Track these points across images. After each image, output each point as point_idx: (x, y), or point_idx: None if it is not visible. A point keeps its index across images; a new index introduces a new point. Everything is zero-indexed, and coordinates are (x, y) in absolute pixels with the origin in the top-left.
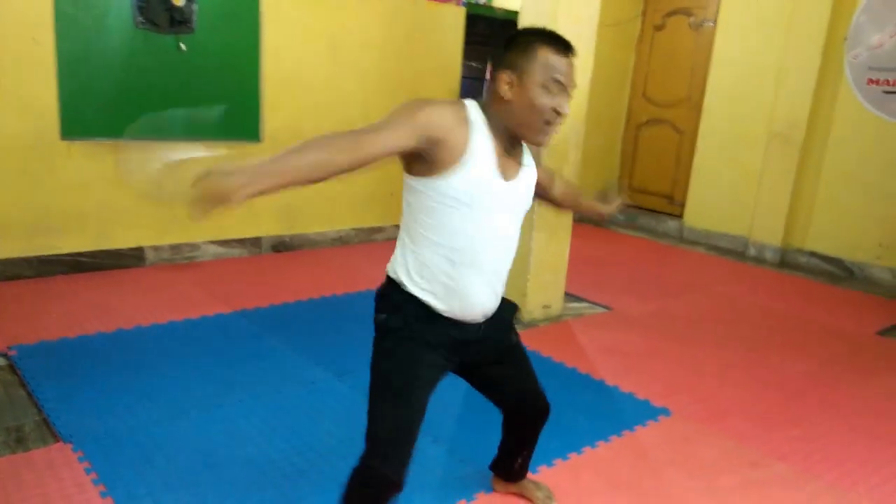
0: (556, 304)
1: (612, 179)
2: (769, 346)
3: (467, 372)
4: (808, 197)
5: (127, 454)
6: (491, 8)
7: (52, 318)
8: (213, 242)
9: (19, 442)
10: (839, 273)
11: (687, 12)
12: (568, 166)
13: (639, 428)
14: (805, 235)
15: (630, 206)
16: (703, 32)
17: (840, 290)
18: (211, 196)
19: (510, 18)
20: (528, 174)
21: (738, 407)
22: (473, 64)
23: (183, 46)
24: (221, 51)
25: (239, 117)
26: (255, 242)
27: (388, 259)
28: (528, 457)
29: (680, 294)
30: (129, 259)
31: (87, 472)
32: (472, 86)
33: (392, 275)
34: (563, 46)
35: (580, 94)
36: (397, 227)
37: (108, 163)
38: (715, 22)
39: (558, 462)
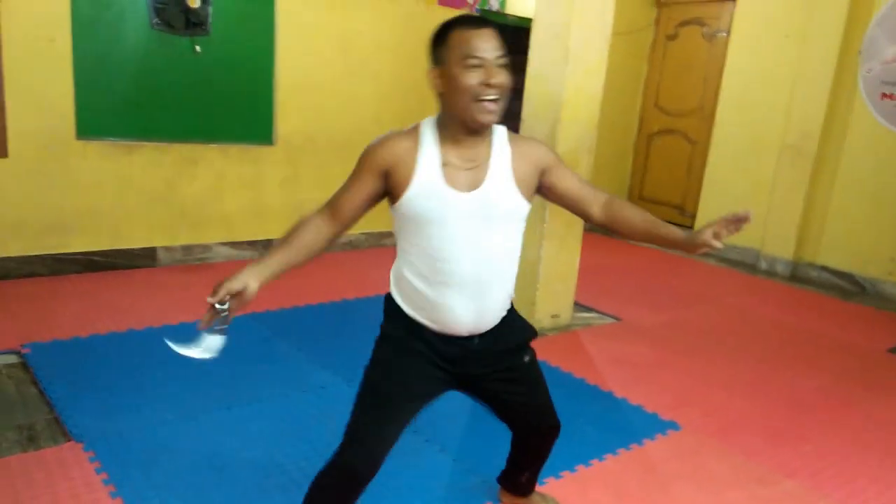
0: (565, 313)
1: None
2: (779, 361)
3: (472, 386)
4: (820, 210)
5: (136, 454)
6: (504, 15)
7: (64, 316)
8: (224, 244)
9: (31, 440)
10: (850, 288)
11: (700, 22)
12: (581, 172)
13: (647, 441)
14: (817, 249)
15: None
16: (716, 43)
17: (851, 305)
18: (227, 292)
19: (523, 25)
20: (501, 179)
21: (747, 421)
22: None
23: (198, 48)
24: (236, 53)
25: (252, 121)
26: (265, 245)
27: None
28: (537, 472)
29: (690, 306)
30: (141, 259)
31: (98, 471)
32: None
33: (390, 285)
34: (472, 22)
35: (593, 100)
36: None
37: (122, 163)
38: (728, 32)
39: (566, 474)
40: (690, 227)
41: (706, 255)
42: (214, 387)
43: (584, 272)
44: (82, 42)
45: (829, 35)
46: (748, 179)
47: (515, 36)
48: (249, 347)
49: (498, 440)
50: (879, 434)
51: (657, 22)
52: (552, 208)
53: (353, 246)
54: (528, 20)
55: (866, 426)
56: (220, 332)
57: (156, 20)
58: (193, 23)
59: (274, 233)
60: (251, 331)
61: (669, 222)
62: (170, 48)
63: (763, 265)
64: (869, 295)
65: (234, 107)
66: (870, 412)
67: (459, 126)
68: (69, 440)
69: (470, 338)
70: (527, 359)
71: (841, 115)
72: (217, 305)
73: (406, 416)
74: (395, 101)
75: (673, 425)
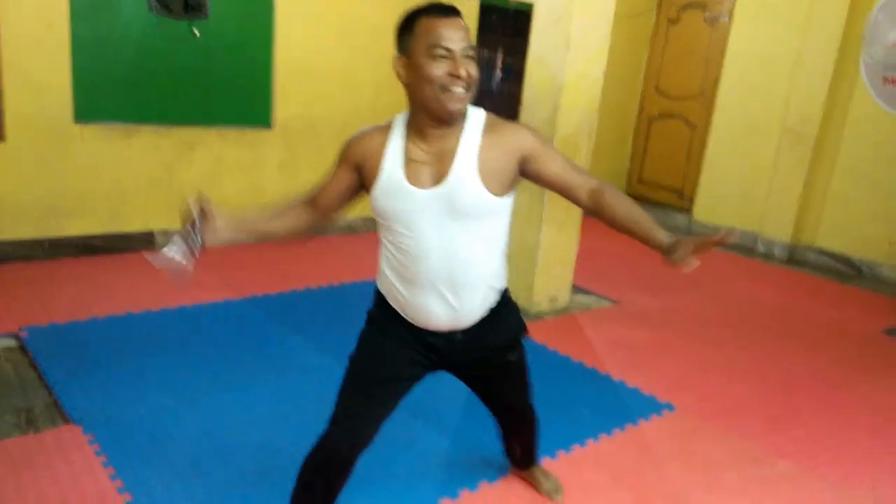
0: (564, 296)
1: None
2: (775, 344)
3: (455, 370)
4: (819, 194)
5: (135, 437)
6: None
7: (62, 300)
8: None
9: (30, 423)
10: (848, 271)
11: (702, 6)
12: (580, 156)
13: (643, 422)
14: (815, 232)
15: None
16: (717, 27)
17: (848, 288)
18: (189, 215)
19: (523, 10)
20: (466, 172)
21: (742, 404)
22: (486, 52)
23: (196, 32)
24: (234, 37)
25: (251, 105)
26: None
27: None
28: (527, 451)
29: (687, 289)
30: (139, 243)
31: (97, 454)
32: (484, 74)
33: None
34: (439, 11)
35: (594, 84)
36: None
37: (120, 146)
38: (730, 17)
39: (562, 454)
40: (689, 211)
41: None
42: (213, 370)
43: (583, 256)
44: (81, 26)
45: (831, 19)
46: (747, 163)
47: (516, 19)
48: (248, 331)
49: (494, 421)
50: (873, 416)
51: (659, 6)
52: (551, 192)
53: (351, 230)
54: (529, 5)
55: (861, 408)
56: (187, 250)
57: (154, 3)
58: (192, 6)
59: None
60: (249, 314)
61: (669, 207)
62: (168, 32)
63: (761, 248)
64: (866, 278)
65: (233, 91)
66: (864, 395)
67: (427, 117)
68: (68, 423)
69: (452, 332)
70: (512, 358)
71: (841, 99)
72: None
73: (389, 397)
74: (394, 86)
75: (669, 407)
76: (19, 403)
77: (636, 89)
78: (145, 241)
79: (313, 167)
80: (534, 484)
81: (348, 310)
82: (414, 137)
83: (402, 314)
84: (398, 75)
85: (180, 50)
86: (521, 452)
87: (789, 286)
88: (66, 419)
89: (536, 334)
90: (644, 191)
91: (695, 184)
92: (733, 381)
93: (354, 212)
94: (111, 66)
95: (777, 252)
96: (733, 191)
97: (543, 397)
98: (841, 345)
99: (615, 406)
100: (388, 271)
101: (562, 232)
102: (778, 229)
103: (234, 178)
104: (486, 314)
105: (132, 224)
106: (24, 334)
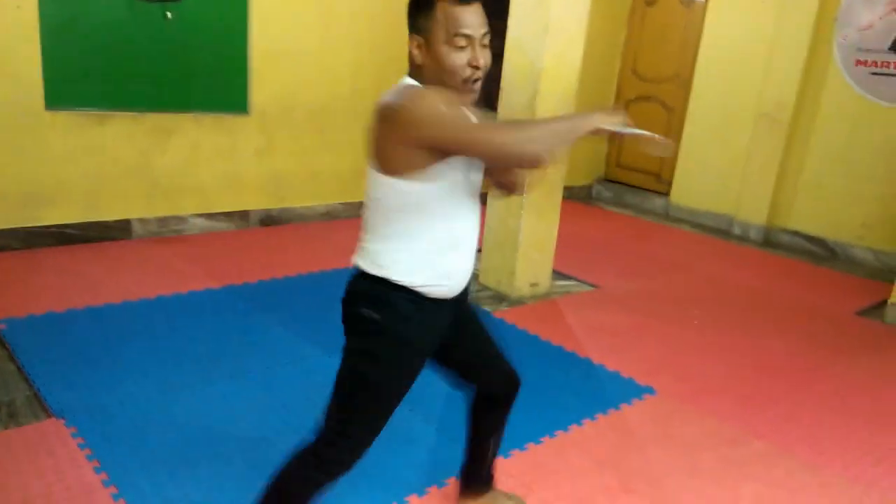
0: (544, 282)
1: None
2: (751, 325)
3: (443, 351)
4: (794, 177)
5: (119, 430)
6: None
7: (40, 291)
8: (200, 216)
9: (11, 417)
10: (821, 253)
11: None
12: None
13: (624, 406)
14: (789, 215)
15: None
16: (694, 8)
17: (822, 269)
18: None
19: None
20: None
21: (719, 385)
22: None
23: (169, 14)
24: (209, 20)
25: (227, 89)
26: (242, 216)
27: None
28: (496, 449)
29: (666, 272)
30: (116, 231)
31: (81, 447)
32: None
33: (380, 269)
34: None
35: (571, 69)
36: None
37: (94, 133)
38: None
39: (546, 439)
40: (666, 195)
41: (678, 220)
42: (195, 360)
43: (563, 241)
44: (49, 8)
45: (805, 3)
46: (724, 147)
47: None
48: (229, 320)
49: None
50: (845, 395)
51: None
52: (531, 178)
53: (330, 216)
54: None
55: (834, 388)
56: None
57: None
58: None
59: (249, 204)
60: (231, 304)
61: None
62: (140, 14)
63: (737, 231)
64: (839, 259)
65: (208, 76)
66: (838, 375)
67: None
68: (50, 416)
69: (463, 292)
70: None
71: (815, 82)
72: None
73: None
74: (375, 69)
75: (649, 390)
76: (0, 397)
77: (613, 72)
78: (122, 230)
79: (291, 152)
80: None
81: (330, 297)
82: None
83: (444, 288)
84: (412, 54)
85: (153, 34)
86: (491, 455)
87: (764, 268)
88: (48, 412)
89: (517, 320)
90: (622, 175)
91: (672, 167)
92: (710, 363)
93: (334, 197)
94: (82, 50)
95: (752, 234)
96: (710, 174)
97: (525, 383)
98: (815, 326)
99: (596, 390)
100: (425, 250)
101: (541, 218)
102: (753, 212)
103: (210, 164)
104: None
105: (109, 212)
106: (2, 326)
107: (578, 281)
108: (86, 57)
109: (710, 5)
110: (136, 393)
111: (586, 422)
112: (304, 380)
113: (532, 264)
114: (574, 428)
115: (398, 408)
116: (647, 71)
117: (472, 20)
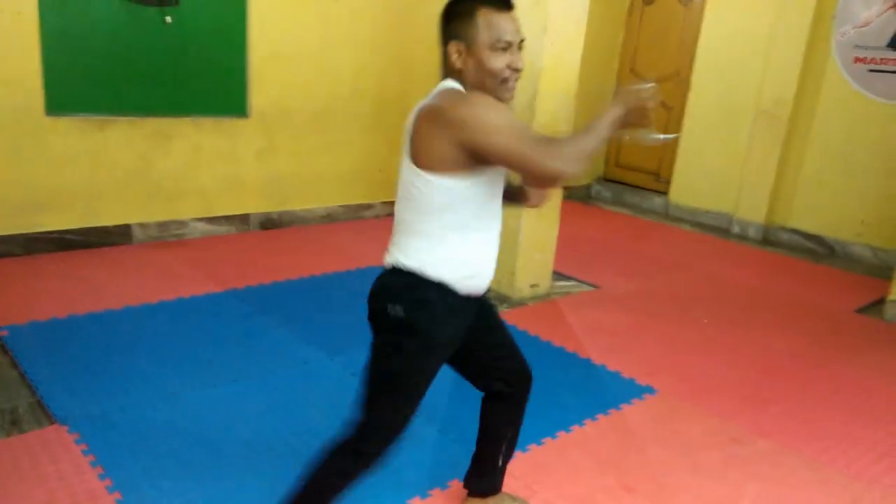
0: (545, 282)
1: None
2: (752, 324)
3: (463, 347)
4: (793, 174)
5: (122, 436)
6: None
7: (41, 297)
8: (200, 220)
9: (14, 424)
10: (820, 250)
11: None
12: None
13: (625, 406)
14: (788, 213)
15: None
16: (692, 7)
17: (821, 267)
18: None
19: None
20: None
21: (720, 384)
22: None
23: (168, 18)
24: (207, 24)
25: (226, 93)
26: (243, 219)
27: (377, 236)
28: (510, 453)
29: (666, 271)
30: (116, 236)
31: (85, 453)
32: None
33: (419, 267)
34: (502, 4)
35: (570, 69)
36: (385, 203)
37: (94, 138)
38: None
39: (547, 440)
40: (665, 194)
41: (678, 219)
42: (198, 364)
43: (563, 241)
44: (49, 15)
45: (803, 0)
46: (723, 145)
47: None
48: (231, 324)
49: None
50: (846, 393)
51: None
52: None
53: (331, 218)
54: None
55: (835, 385)
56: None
57: None
58: None
59: (250, 207)
60: (232, 308)
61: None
62: (139, 19)
63: (736, 229)
64: (838, 257)
65: (208, 79)
66: (838, 372)
67: None
68: (53, 423)
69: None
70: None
71: (814, 80)
72: None
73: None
74: (376, 71)
75: (649, 390)
76: (2, 404)
77: (612, 71)
78: (123, 235)
79: (292, 154)
80: None
81: (332, 300)
82: None
83: (474, 282)
84: (450, 60)
85: (153, 39)
86: (504, 458)
87: (764, 266)
88: (51, 419)
89: (518, 321)
90: (621, 174)
91: (671, 166)
92: (711, 362)
93: (333, 200)
94: (82, 56)
95: (751, 233)
96: (709, 173)
97: None
98: (815, 323)
99: (597, 390)
100: (469, 241)
101: (542, 218)
102: (752, 210)
103: (211, 168)
104: None
105: (110, 217)
106: (4, 333)
107: (578, 281)
108: (85, 62)
109: (709, 4)
110: (139, 398)
111: (587, 422)
112: (306, 383)
113: (532, 265)
114: (575, 428)
115: None
116: (646, 70)
117: (511, 27)
